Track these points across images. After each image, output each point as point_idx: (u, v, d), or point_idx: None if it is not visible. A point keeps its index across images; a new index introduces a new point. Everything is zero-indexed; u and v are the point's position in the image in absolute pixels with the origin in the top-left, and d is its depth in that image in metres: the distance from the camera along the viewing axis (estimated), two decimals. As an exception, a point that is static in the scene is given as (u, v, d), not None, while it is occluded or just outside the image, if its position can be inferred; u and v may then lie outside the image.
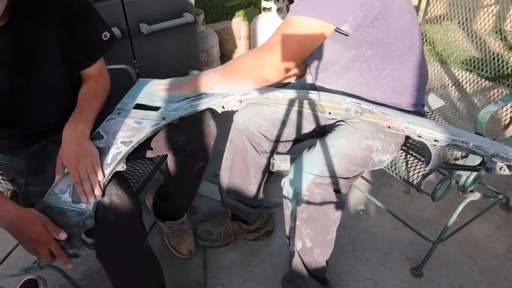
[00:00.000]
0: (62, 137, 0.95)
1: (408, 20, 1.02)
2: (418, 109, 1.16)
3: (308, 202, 1.02)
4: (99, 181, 0.90)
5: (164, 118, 1.05)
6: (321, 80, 1.19)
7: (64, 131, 0.96)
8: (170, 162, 1.21)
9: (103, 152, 0.96)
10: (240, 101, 1.09)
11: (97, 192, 0.89)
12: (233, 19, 2.81)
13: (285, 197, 1.08)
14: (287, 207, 1.08)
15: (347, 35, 0.98)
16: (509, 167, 0.87)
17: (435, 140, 0.90)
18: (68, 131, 0.96)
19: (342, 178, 1.03)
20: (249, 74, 1.03)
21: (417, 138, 0.92)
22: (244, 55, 1.05)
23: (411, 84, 1.11)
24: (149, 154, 1.16)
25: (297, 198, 1.02)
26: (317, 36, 0.94)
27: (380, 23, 0.97)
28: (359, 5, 0.91)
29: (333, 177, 1.01)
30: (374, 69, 1.06)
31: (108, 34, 1.12)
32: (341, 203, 1.06)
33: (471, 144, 0.87)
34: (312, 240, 1.08)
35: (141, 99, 1.15)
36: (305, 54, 1.00)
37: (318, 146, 1.05)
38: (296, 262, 1.14)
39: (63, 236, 0.83)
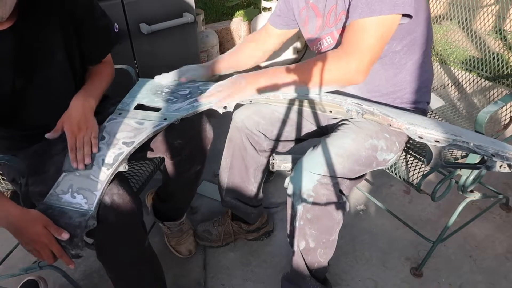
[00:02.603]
0: (70, 104, 1.00)
1: (427, 14, 1.05)
2: (423, 106, 1.17)
3: (314, 203, 1.01)
4: (92, 153, 0.95)
5: (165, 119, 1.05)
6: None
7: (73, 99, 1.01)
8: (168, 164, 1.21)
9: (104, 153, 0.96)
10: (242, 102, 1.09)
11: (87, 161, 0.93)
12: (233, 19, 2.80)
13: (289, 196, 1.07)
14: (291, 207, 1.08)
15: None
16: (509, 165, 0.87)
17: (436, 141, 0.90)
18: (77, 101, 1.01)
19: (346, 178, 1.03)
20: (334, 78, 1.00)
21: (418, 139, 0.92)
22: (321, 58, 1.00)
23: (426, 79, 1.12)
24: (149, 155, 1.16)
25: (302, 198, 1.01)
26: (392, 31, 0.96)
27: (414, 15, 0.97)
28: None
29: (338, 177, 1.01)
30: (397, 63, 1.08)
31: (118, 26, 1.15)
32: (345, 204, 1.06)
33: (472, 144, 0.88)
34: (316, 241, 1.08)
35: (142, 99, 1.15)
36: (381, 53, 0.99)
37: (322, 145, 1.04)
38: (298, 262, 1.13)
39: (65, 236, 0.82)
